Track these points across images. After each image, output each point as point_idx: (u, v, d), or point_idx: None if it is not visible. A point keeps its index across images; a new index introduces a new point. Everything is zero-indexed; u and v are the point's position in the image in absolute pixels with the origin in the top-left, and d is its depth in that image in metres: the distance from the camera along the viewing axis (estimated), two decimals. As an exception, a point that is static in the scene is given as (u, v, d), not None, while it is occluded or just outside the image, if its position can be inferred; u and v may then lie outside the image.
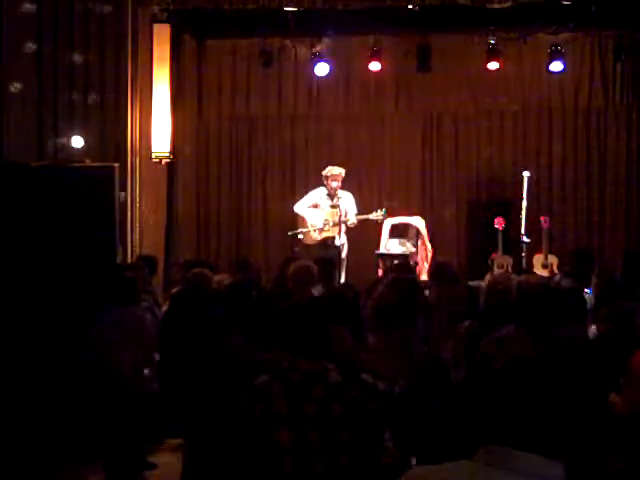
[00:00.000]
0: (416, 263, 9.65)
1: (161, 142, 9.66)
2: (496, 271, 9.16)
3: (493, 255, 9.67)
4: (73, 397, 6.21)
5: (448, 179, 11.50)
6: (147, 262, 7.56)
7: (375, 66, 10.56)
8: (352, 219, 9.41)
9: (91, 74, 9.08)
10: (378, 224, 9.67)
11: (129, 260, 8.61)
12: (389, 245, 9.90)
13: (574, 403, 1.63)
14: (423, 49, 10.41)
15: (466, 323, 4.90)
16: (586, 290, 6.16)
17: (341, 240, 9.30)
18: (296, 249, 9.66)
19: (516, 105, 11.29)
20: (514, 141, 11.42)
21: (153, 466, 6.19)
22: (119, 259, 7.87)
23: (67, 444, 6.17)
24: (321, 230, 9.49)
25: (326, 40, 10.43)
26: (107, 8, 9.09)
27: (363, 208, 9.62)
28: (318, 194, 9.63)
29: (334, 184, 9.44)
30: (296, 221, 9.86)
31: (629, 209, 11.15)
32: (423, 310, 5.23)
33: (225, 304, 4.12)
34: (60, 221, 6.89)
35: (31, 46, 8.99)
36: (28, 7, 8.97)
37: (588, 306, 5.70)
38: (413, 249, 9.81)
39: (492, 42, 10.29)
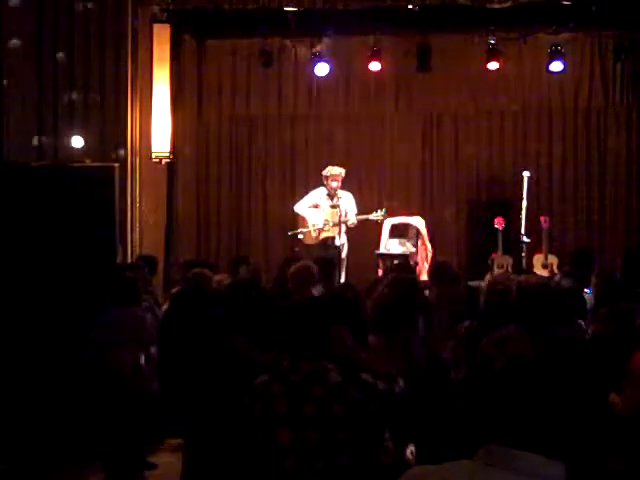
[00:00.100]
0: (416, 263, 9.65)
1: (161, 142, 9.65)
2: (496, 271, 9.16)
3: (493, 255, 9.68)
4: (73, 397, 6.21)
5: (448, 179, 11.50)
6: (147, 262, 7.56)
7: (375, 66, 10.56)
8: (352, 219, 9.41)
9: (91, 74, 9.08)
10: (378, 224, 9.67)
11: (129, 260, 8.61)
12: (389, 245, 9.90)
13: (574, 403, 1.63)
14: (423, 49, 10.42)
15: (466, 323, 4.90)
16: (586, 290, 6.16)
17: (341, 240, 9.30)
18: (296, 249, 9.66)
19: (516, 105, 11.29)
20: (514, 141, 11.42)
21: (153, 466, 6.19)
22: (119, 259, 7.87)
23: (67, 444, 6.17)
24: (321, 230, 9.49)
25: (326, 40, 10.43)
26: (107, 8, 9.09)
27: (363, 208, 9.62)
28: (318, 194, 9.63)
29: (334, 184, 9.43)
30: (296, 221, 9.86)
31: (629, 209, 11.15)
32: (423, 310, 5.23)
33: (225, 304, 4.11)
34: (60, 221, 6.89)
35: (31, 46, 8.99)
36: (28, 7, 8.97)
37: (588, 306, 5.70)
38: (413, 249, 9.81)
39: (492, 42, 10.29)
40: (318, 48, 10.42)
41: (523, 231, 9.57)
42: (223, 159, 11.68)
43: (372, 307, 4.43)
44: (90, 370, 5.82)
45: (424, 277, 9.18)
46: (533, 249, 9.74)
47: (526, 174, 9.84)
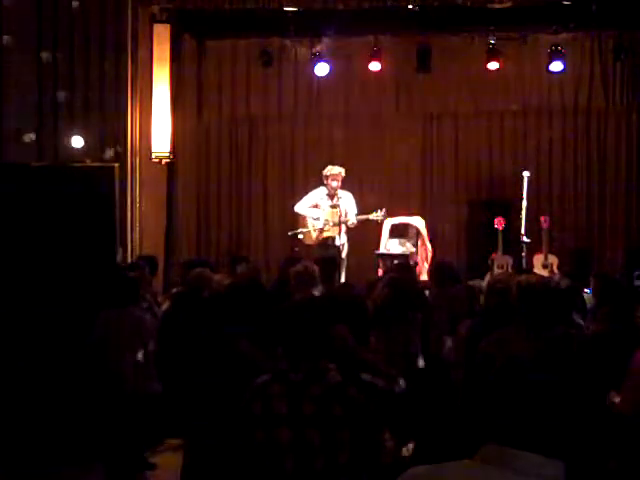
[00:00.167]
0: (416, 263, 9.65)
1: (161, 142, 9.66)
2: (496, 271, 9.16)
3: (493, 255, 9.68)
4: (73, 397, 6.21)
5: (448, 179, 11.51)
6: (147, 262, 7.56)
7: (375, 66, 10.56)
8: (352, 219, 9.40)
9: (91, 74, 9.08)
10: (378, 224, 9.67)
11: (129, 260, 8.61)
12: (389, 245, 9.90)
13: (573, 402, 1.63)
14: (423, 49, 10.43)
15: (466, 323, 4.90)
16: (586, 290, 6.17)
17: (341, 240, 9.30)
18: (296, 249, 9.65)
19: (516, 105, 11.30)
20: (514, 141, 11.42)
21: (153, 466, 6.19)
22: (119, 259, 7.87)
23: (67, 444, 6.16)
24: (321, 230, 9.49)
25: (326, 40, 10.44)
26: (107, 8, 9.09)
27: (363, 208, 9.62)
28: (318, 194, 9.63)
29: (334, 184, 9.43)
30: (296, 221, 9.85)
31: (629, 209, 11.15)
32: (421, 309, 5.24)
33: (228, 306, 4.11)
34: (60, 221, 6.88)
35: (31, 46, 8.99)
36: (28, 7, 8.97)
37: (588, 306, 5.70)
38: (413, 249, 9.81)
39: (492, 42, 10.30)
40: (318, 48, 10.42)
41: (523, 231, 9.57)
42: (223, 159, 11.69)
43: (371, 307, 4.44)
44: (90, 370, 5.81)
45: (424, 277, 9.19)
46: (533, 249, 9.74)
47: (526, 174, 9.84)
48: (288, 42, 10.97)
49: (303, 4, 9.52)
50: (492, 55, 10.36)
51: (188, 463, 3.88)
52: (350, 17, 9.74)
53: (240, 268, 7.16)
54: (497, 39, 10.33)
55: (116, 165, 7.75)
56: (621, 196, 11.18)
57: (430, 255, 9.90)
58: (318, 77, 10.80)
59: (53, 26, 9.05)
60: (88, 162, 7.95)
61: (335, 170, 9.48)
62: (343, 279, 8.87)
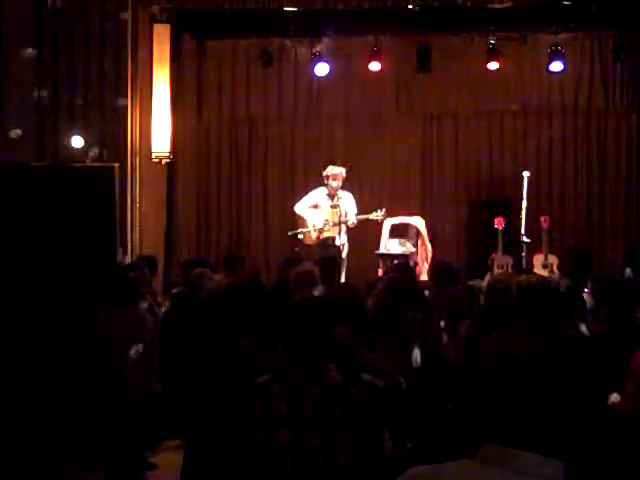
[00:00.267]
0: (416, 263, 9.65)
1: (161, 142, 9.66)
2: (496, 271, 9.16)
3: (493, 255, 9.68)
4: (73, 398, 6.21)
5: (448, 179, 11.51)
6: (147, 262, 7.56)
7: (375, 66, 10.56)
8: (352, 219, 9.40)
9: (91, 74, 9.08)
10: (378, 224, 9.67)
11: (129, 260, 8.61)
12: (389, 245, 9.90)
13: (573, 402, 1.63)
14: (423, 49, 10.43)
15: (466, 323, 4.90)
16: (586, 290, 6.16)
17: (341, 240, 9.30)
18: (296, 249, 9.64)
19: (516, 105, 11.30)
20: (514, 141, 11.42)
21: (153, 466, 6.19)
22: (119, 259, 7.87)
23: (67, 444, 6.16)
24: (321, 230, 9.48)
25: (326, 40, 10.44)
26: (107, 8, 9.09)
27: (363, 208, 9.62)
28: (318, 194, 9.62)
29: (334, 184, 9.42)
30: (296, 221, 9.85)
31: (629, 209, 11.15)
32: (421, 309, 5.24)
33: (227, 306, 4.11)
34: (60, 221, 6.89)
35: (31, 46, 8.99)
36: (28, 7, 8.97)
37: (588, 306, 5.70)
38: (413, 249, 9.81)
39: (492, 42, 10.30)
40: (318, 48, 10.42)
41: (523, 231, 9.57)
42: (223, 159, 11.69)
43: (371, 307, 4.44)
44: (90, 371, 5.81)
45: (424, 277, 9.19)
46: (533, 249, 9.74)
47: (526, 174, 9.84)
48: (288, 42, 10.97)
49: (303, 4, 9.52)
50: (492, 55, 10.36)
51: (188, 463, 3.88)
52: (350, 17, 9.74)
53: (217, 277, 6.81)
54: (497, 39, 10.33)
55: (116, 165, 7.75)
56: (621, 196, 11.18)
57: (430, 255, 9.90)
58: (318, 77, 10.80)
59: (53, 26, 9.05)
60: (88, 162, 7.94)
61: (336, 170, 9.48)
62: (343, 279, 8.88)
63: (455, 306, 5.37)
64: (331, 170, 9.49)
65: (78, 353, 6.07)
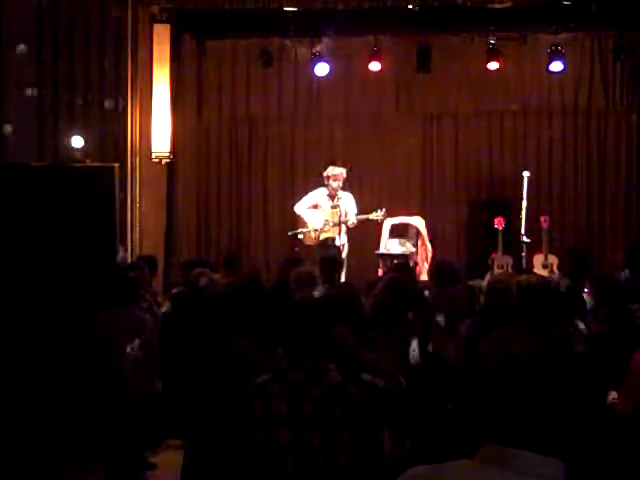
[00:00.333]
0: (416, 263, 9.66)
1: (161, 142, 9.66)
2: (496, 271, 9.16)
3: (493, 255, 9.68)
4: (73, 398, 6.21)
5: (448, 179, 11.51)
6: (147, 262, 7.56)
7: (375, 66, 10.56)
8: (352, 219, 9.40)
9: (91, 74, 9.08)
10: (378, 224, 9.67)
11: (129, 260, 8.61)
12: (389, 245, 9.90)
13: (572, 401, 1.63)
14: (423, 49, 10.43)
15: (466, 323, 4.90)
16: (585, 290, 6.17)
17: (341, 240, 9.30)
18: (296, 249, 9.65)
19: (516, 105, 11.30)
20: (514, 141, 11.42)
21: (153, 466, 6.19)
22: (119, 259, 7.87)
23: (67, 444, 6.16)
24: (321, 230, 9.48)
25: (326, 40, 10.44)
26: (107, 8, 9.09)
27: (363, 208, 9.62)
28: (318, 194, 9.62)
29: (335, 184, 9.42)
30: (296, 221, 9.85)
31: (629, 209, 11.15)
32: (421, 309, 5.24)
33: (228, 307, 4.12)
34: (60, 221, 6.88)
35: (31, 46, 9.00)
36: (28, 7, 8.97)
37: (588, 306, 5.70)
38: (413, 249, 9.81)
39: (492, 42, 10.30)
40: (318, 48, 10.42)
41: (523, 231, 9.57)
42: (223, 159, 11.69)
43: (371, 307, 4.45)
44: (90, 370, 5.81)
45: (424, 277, 9.18)
46: (533, 249, 9.74)
47: (526, 174, 9.84)
48: (288, 42, 10.97)
49: (303, 4, 9.52)
50: (492, 55, 10.36)
51: (188, 463, 3.88)
52: (350, 17, 9.73)
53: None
54: (497, 39, 10.33)
55: (116, 165, 7.75)
56: (621, 196, 11.18)
57: (430, 255, 9.90)
58: (318, 77, 10.80)
59: (53, 26, 9.05)
60: (88, 162, 7.94)
61: (336, 170, 9.48)
62: (343, 279, 8.87)
63: (455, 306, 5.36)
64: (331, 170, 9.49)
65: (78, 353, 6.07)
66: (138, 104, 9.32)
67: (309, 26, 10.26)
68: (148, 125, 9.53)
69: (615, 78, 11.10)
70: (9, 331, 6.61)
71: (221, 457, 3.47)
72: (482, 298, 5.33)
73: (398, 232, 9.98)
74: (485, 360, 3.88)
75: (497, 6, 9.40)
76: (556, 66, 10.30)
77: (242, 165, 11.68)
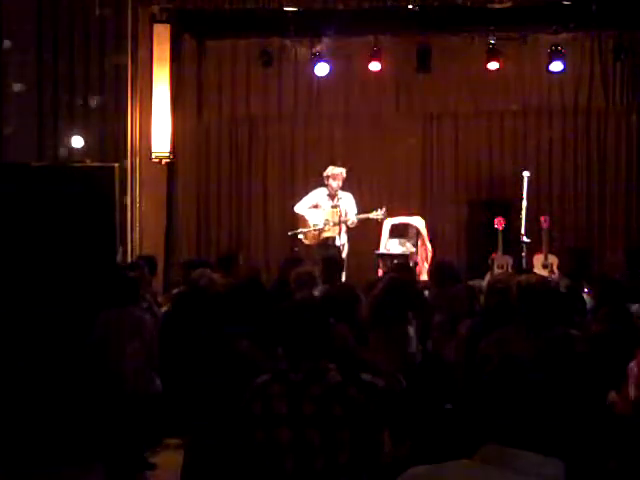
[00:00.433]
0: (416, 263, 9.66)
1: (161, 142, 9.66)
2: (496, 271, 9.16)
3: (493, 255, 9.68)
4: (73, 398, 6.21)
5: (448, 179, 11.51)
6: (147, 262, 7.56)
7: (375, 66, 10.56)
8: (352, 219, 9.40)
9: (91, 74, 9.08)
10: (378, 223, 9.67)
11: (129, 260, 8.61)
12: (389, 245, 9.90)
13: (572, 401, 1.63)
14: (423, 49, 10.43)
15: (466, 323, 4.90)
16: (585, 290, 6.17)
17: (341, 240, 9.30)
18: (296, 249, 9.65)
19: (516, 105, 11.30)
20: (514, 141, 11.43)
21: (153, 466, 6.19)
22: (119, 259, 7.87)
23: (67, 444, 6.17)
24: (321, 230, 9.48)
25: (326, 40, 10.44)
26: (107, 8, 9.09)
27: (363, 208, 9.62)
28: (318, 194, 9.63)
29: (335, 184, 9.43)
30: (296, 221, 9.85)
31: (629, 209, 11.15)
32: (420, 309, 5.24)
33: (228, 307, 4.12)
34: (60, 221, 6.88)
35: (31, 46, 8.99)
36: (28, 7, 8.97)
37: (588, 306, 5.71)
38: (413, 249, 9.81)
39: (492, 42, 10.30)
40: (318, 48, 10.42)
41: (523, 231, 9.57)
42: (223, 159, 11.69)
43: (369, 306, 4.45)
44: (90, 371, 5.81)
45: (424, 277, 9.19)
46: (533, 249, 9.74)
47: (526, 174, 9.84)
48: (288, 42, 10.97)
49: (303, 4, 9.51)
50: (492, 55, 10.36)
51: (188, 463, 3.88)
52: (350, 17, 9.73)
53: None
54: (497, 39, 10.33)
55: (116, 165, 7.75)
56: (621, 196, 11.18)
57: (430, 255, 9.90)
58: (318, 77, 10.80)
59: (53, 26, 9.05)
60: (88, 162, 7.94)
61: (336, 170, 9.49)
62: (343, 279, 8.87)
63: (455, 306, 5.36)
64: (331, 170, 9.50)
65: (78, 353, 6.07)
66: (138, 104, 9.32)
67: (309, 26, 10.26)
68: (148, 125, 9.53)
69: (615, 78, 11.10)
70: (9, 331, 6.61)
71: (221, 457, 3.48)
72: (482, 298, 5.33)
73: (398, 232, 9.98)
74: (485, 360, 3.88)
75: (497, 6, 9.40)
76: (556, 66, 10.30)
77: (242, 165, 11.68)
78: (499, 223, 9.79)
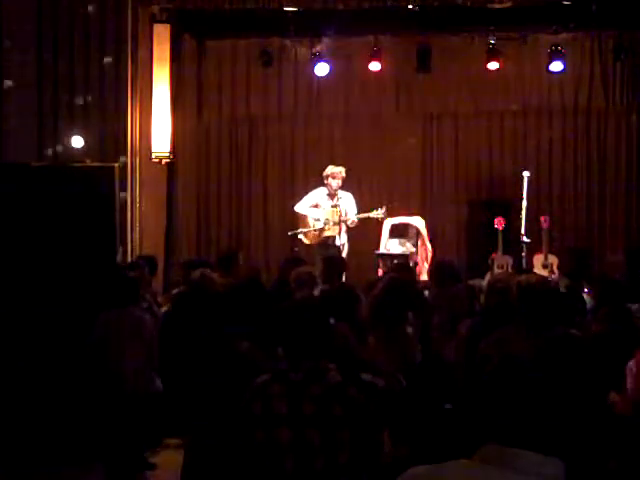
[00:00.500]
0: (416, 263, 9.66)
1: (161, 142, 9.66)
2: (496, 271, 9.16)
3: (493, 255, 9.68)
4: (74, 398, 6.21)
5: (448, 179, 11.51)
6: (147, 262, 7.56)
7: (375, 66, 10.56)
8: (352, 218, 9.40)
9: (91, 74, 9.07)
10: (378, 223, 9.67)
11: (129, 260, 8.60)
12: (389, 245, 9.90)
13: (572, 401, 1.63)
14: (423, 49, 10.43)
15: (466, 323, 4.91)
16: (585, 290, 6.17)
17: (341, 240, 9.30)
18: (296, 249, 9.65)
19: (516, 105, 11.30)
20: (514, 141, 11.43)
21: (153, 466, 6.19)
22: (119, 259, 7.87)
23: (67, 444, 6.17)
24: (322, 230, 9.48)
25: (326, 40, 10.44)
26: (107, 8, 9.09)
27: (363, 208, 9.62)
28: (318, 194, 9.63)
29: (334, 183, 9.42)
30: (296, 221, 9.85)
31: (629, 209, 11.15)
32: (420, 309, 5.24)
33: (228, 307, 4.12)
34: (60, 221, 6.88)
35: (31, 46, 8.99)
36: (28, 7, 8.97)
37: (588, 306, 5.71)
38: (413, 249, 9.81)
39: (492, 42, 10.30)
40: (318, 48, 10.42)
41: (523, 231, 9.57)
42: (223, 159, 11.69)
43: (368, 306, 4.45)
44: (90, 371, 5.81)
45: (424, 277, 9.19)
46: (533, 249, 9.74)
47: (526, 174, 9.84)
48: (288, 42, 10.97)
49: (303, 4, 9.51)
50: (492, 55, 10.36)
51: (188, 463, 3.88)
52: (350, 17, 9.73)
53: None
54: (497, 39, 10.33)
55: (116, 165, 7.74)
56: (621, 196, 11.18)
57: (430, 255, 9.90)
58: (318, 77, 10.80)
59: (53, 26, 9.05)
60: (88, 162, 7.94)
61: (336, 169, 9.48)
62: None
63: (455, 306, 5.37)
64: (331, 169, 9.49)
65: (78, 353, 6.07)
66: (138, 104, 9.32)
67: (309, 26, 10.26)
68: (148, 125, 9.53)
69: (615, 78, 11.10)
70: (9, 331, 6.61)
71: (221, 457, 3.48)
72: (482, 298, 5.33)
73: (398, 232, 9.98)
74: (485, 360, 3.87)
75: (497, 6, 9.40)
76: (556, 66, 10.30)
77: (242, 165, 11.68)
78: (499, 223, 9.79)
